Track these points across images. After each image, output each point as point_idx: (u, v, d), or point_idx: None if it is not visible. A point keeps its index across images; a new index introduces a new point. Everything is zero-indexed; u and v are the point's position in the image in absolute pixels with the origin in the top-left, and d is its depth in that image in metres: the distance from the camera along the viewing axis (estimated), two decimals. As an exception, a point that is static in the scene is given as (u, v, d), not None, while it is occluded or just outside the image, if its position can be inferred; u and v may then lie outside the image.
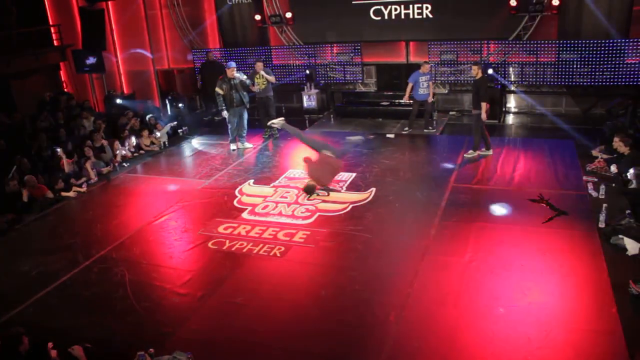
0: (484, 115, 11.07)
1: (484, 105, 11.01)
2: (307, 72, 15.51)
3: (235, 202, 9.89)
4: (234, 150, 13.13)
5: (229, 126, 13.14)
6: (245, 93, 13.04)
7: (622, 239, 7.32)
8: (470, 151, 11.39)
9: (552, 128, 13.43)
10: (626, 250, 7.22)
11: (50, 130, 13.05)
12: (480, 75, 11.12)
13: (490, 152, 11.50)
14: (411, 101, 13.31)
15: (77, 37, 16.37)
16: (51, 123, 13.68)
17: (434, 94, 13.54)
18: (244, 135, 13.37)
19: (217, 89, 12.80)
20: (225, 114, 12.96)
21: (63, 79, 16.98)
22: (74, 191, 10.96)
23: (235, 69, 12.92)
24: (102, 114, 15.60)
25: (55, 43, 16.31)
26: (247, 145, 13.32)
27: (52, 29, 16.38)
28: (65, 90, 16.91)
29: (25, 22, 15.37)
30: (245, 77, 13.05)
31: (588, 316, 6.05)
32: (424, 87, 12.91)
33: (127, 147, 13.04)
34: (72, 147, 12.38)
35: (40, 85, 15.61)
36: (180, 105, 16.59)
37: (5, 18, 14.67)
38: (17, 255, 8.62)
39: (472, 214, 8.72)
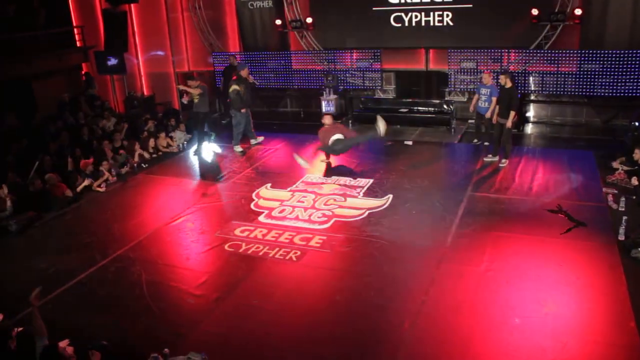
0: (509, 124, 10.99)
1: (512, 114, 10.93)
2: (330, 79, 15.47)
3: (252, 206, 9.92)
4: (241, 151, 13.32)
5: (238, 128, 13.35)
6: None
7: (642, 252, 7.24)
8: (504, 160, 11.31)
9: (572, 138, 13.31)
10: (645, 263, 7.14)
11: (71, 130, 13.20)
12: (510, 84, 11.00)
13: (496, 158, 11.47)
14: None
15: (99, 38, 16.56)
16: (72, 123, 13.84)
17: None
18: (253, 131, 13.88)
19: (236, 87, 12.95)
20: (243, 111, 13.17)
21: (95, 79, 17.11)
22: (94, 187, 11.16)
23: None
24: (123, 115, 15.76)
25: (78, 44, 16.50)
26: (260, 139, 13.94)
27: (75, 30, 16.58)
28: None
29: (50, 24, 15.56)
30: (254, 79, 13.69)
31: (605, 329, 5.98)
32: (482, 100, 12.29)
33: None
34: (94, 146, 12.52)
35: (61, 86, 15.77)
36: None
37: (33, 19, 14.87)
38: (36, 252, 8.74)
39: (490, 223, 8.67)
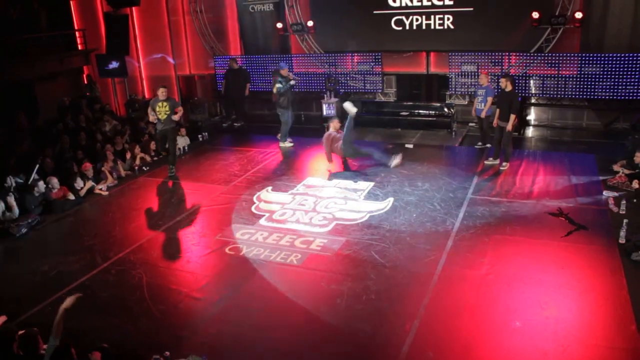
0: (509, 127, 11.01)
1: (512, 117, 10.95)
2: (330, 81, 15.54)
3: (253, 209, 9.92)
4: (290, 146, 13.86)
5: (287, 125, 13.81)
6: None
7: (643, 255, 7.24)
8: (504, 163, 11.32)
9: (573, 141, 13.31)
10: (646, 266, 7.14)
11: (72, 133, 13.22)
12: (510, 87, 11.03)
13: (497, 161, 11.50)
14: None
15: (101, 41, 16.61)
16: (73, 126, 13.86)
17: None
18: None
19: (280, 85, 13.35)
20: (283, 111, 13.61)
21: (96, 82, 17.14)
22: (96, 190, 11.20)
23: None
24: (124, 118, 15.78)
25: (79, 47, 16.55)
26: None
27: (77, 34, 16.63)
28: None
29: (51, 27, 15.63)
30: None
31: (606, 333, 5.98)
32: (478, 101, 12.40)
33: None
34: (94, 149, 12.53)
35: (63, 88, 15.82)
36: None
37: (35, 22, 14.93)
38: (38, 255, 8.77)
39: (490, 226, 8.67)
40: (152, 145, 13.30)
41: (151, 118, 11.81)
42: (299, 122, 16.70)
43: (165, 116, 11.57)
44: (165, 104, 11.55)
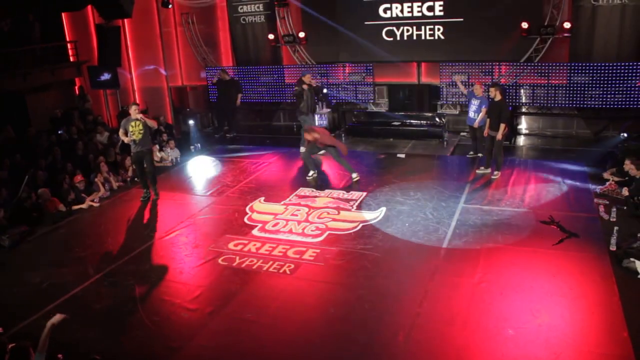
0: (499, 136, 11.09)
1: (502, 126, 11.03)
2: (324, 90, 15.60)
3: (245, 219, 9.92)
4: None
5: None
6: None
7: (634, 262, 7.29)
8: (496, 172, 11.38)
9: (563, 150, 13.40)
10: (638, 273, 7.18)
11: (65, 145, 13.18)
12: (499, 97, 11.12)
13: (489, 171, 11.58)
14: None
15: (92, 53, 16.58)
16: (65, 138, 13.81)
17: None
18: None
19: (297, 88, 13.45)
20: (304, 118, 13.64)
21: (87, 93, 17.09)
22: (87, 204, 11.09)
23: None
24: (116, 130, 15.75)
25: (71, 59, 16.53)
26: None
27: (69, 45, 16.62)
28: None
29: (43, 38, 15.61)
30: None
31: (598, 339, 6.01)
32: (472, 110, 12.37)
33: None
34: (85, 161, 12.48)
35: (55, 100, 15.78)
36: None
37: (27, 34, 14.89)
38: (29, 267, 8.71)
39: (482, 235, 8.70)
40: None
41: (125, 140, 10.82)
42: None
43: (140, 136, 10.66)
44: (138, 122, 10.65)
